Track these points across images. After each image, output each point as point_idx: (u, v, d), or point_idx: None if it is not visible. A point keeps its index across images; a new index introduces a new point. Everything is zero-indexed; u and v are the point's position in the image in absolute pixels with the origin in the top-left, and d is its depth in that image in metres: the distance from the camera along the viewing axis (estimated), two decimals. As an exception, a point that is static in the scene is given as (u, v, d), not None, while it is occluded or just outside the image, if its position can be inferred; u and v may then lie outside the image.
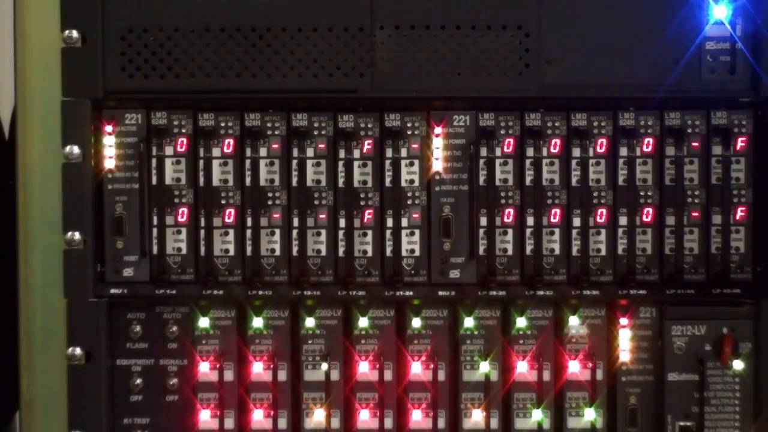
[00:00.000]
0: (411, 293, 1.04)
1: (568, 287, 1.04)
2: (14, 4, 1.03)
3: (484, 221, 1.03)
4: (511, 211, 1.04)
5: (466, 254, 1.04)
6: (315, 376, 1.05)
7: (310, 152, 1.04)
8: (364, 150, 1.04)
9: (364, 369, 1.05)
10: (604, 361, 1.06)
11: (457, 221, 1.04)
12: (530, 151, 1.04)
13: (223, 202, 1.04)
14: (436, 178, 1.04)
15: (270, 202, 1.04)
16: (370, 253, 1.04)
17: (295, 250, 1.03)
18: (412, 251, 1.04)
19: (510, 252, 1.04)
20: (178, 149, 1.04)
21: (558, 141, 1.04)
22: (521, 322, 1.05)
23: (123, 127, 1.04)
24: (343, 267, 1.03)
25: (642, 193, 1.04)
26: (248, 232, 1.03)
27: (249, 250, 1.04)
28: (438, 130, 1.04)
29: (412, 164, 1.04)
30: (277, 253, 1.04)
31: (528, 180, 1.04)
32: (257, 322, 1.05)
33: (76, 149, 1.01)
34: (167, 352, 1.06)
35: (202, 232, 1.03)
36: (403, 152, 1.04)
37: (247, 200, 1.03)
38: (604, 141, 1.04)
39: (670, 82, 1.02)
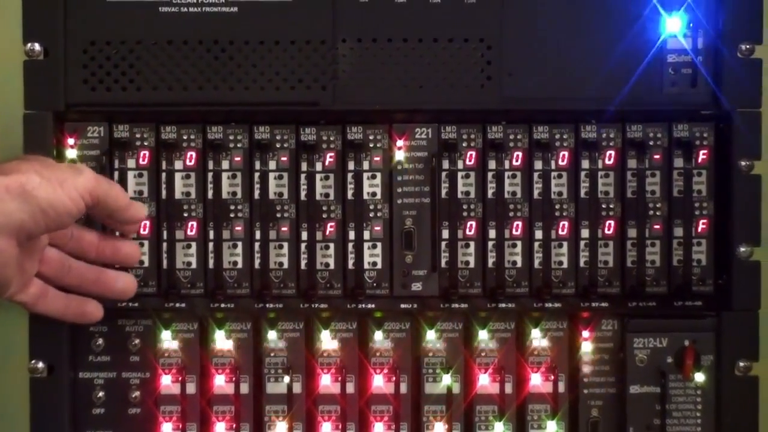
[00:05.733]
0: (373, 306, 1.04)
1: (530, 300, 1.04)
2: (-24, 17, 1.03)
3: (446, 234, 1.04)
4: (473, 223, 1.04)
5: (428, 267, 1.04)
6: (277, 389, 1.05)
7: (272, 165, 1.04)
8: (326, 163, 1.04)
9: (326, 382, 1.05)
10: (566, 373, 1.06)
11: (419, 234, 1.04)
12: (492, 164, 1.04)
13: (186, 215, 1.04)
14: (398, 190, 1.04)
15: (232, 215, 1.04)
16: (332, 266, 1.04)
17: (257, 263, 1.03)
18: (374, 264, 1.04)
19: (472, 264, 1.04)
20: (141, 162, 1.04)
21: (520, 154, 1.04)
22: (483, 334, 1.05)
23: (85, 140, 1.03)
24: (306, 280, 1.03)
25: (604, 206, 1.04)
26: (210, 245, 1.03)
27: (211, 263, 1.04)
28: (400, 142, 1.04)
29: (374, 177, 1.04)
30: (240, 266, 1.04)
31: (490, 193, 1.04)
32: (220, 335, 1.05)
33: (37, 162, 1.01)
34: (129, 365, 1.05)
35: (165, 245, 1.03)
36: (365, 165, 1.04)
37: (210, 213, 1.03)
38: (566, 153, 1.04)
39: (632, 94, 1.02)
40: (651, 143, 1.04)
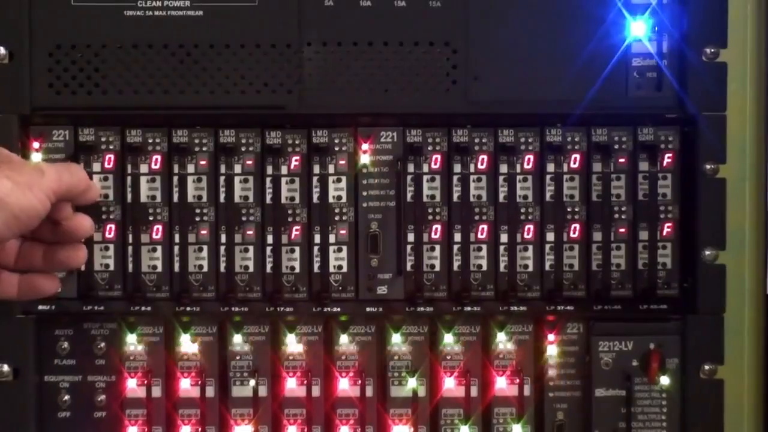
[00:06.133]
0: (339, 309, 1.04)
1: (496, 303, 1.04)
2: (-58, 20, 1.03)
3: (411, 237, 1.04)
4: (439, 227, 1.04)
5: (394, 270, 1.04)
6: (243, 392, 1.05)
7: (237, 168, 1.04)
8: (292, 166, 1.04)
9: (291, 385, 1.05)
10: (531, 376, 1.06)
11: (384, 237, 1.04)
12: (457, 168, 1.04)
13: (151, 218, 1.04)
14: (363, 194, 1.04)
15: (198, 219, 1.04)
16: (297, 270, 1.04)
17: (222, 267, 1.03)
18: (340, 267, 1.04)
19: (437, 268, 1.04)
20: (106, 165, 1.04)
21: (485, 157, 1.04)
22: (449, 338, 1.05)
23: (50, 143, 1.03)
24: (271, 283, 1.04)
25: (569, 209, 1.04)
26: (176, 249, 1.03)
27: (177, 267, 1.03)
28: (365, 146, 1.04)
29: (339, 180, 1.04)
30: (205, 269, 1.04)
31: (455, 196, 1.04)
32: (185, 339, 1.05)
33: (3, 166, 1.01)
34: (95, 369, 1.05)
35: (130, 248, 1.03)
36: (331, 168, 1.04)
37: (175, 216, 1.03)
38: (531, 157, 1.04)
39: (597, 98, 1.02)
40: (616, 147, 1.04)
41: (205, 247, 1.04)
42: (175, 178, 1.03)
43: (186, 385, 1.05)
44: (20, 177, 0.89)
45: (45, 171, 0.92)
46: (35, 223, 0.91)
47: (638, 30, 1.02)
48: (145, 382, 1.05)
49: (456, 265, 1.04)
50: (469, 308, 1.04)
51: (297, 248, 1.04)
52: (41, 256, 0.97)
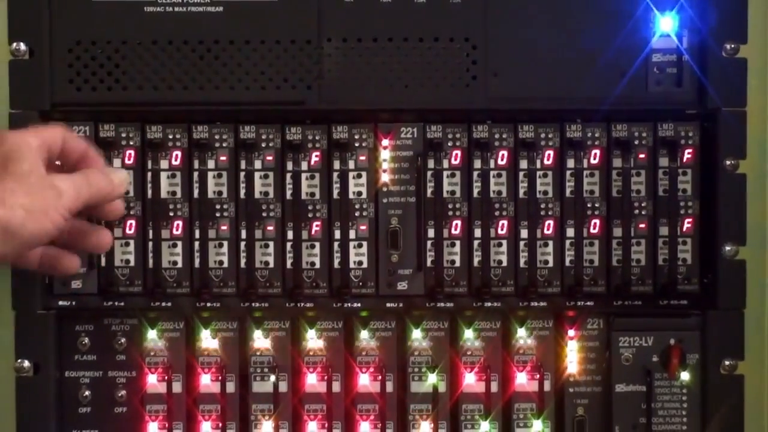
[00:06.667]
0: (359, 305, 1.04)
1: (516, 299, 1.05)
2: (-38, 17, 1.03)
3: (431, 233, 1.04)
4: (459, 222, 1.04)
5: (414, 266, 1.04)
6: (263, 388, 1.05)
7: (257, 164, 1.04)
8: (312, 162, 1.04)
9: (312, 380, 1.05)
10: (551, 372, 1.06)
11: (404, 233, 1.04)
12: (477, 163, 1.04)
13: (171, 214, 1.04)
14: (383, 190, 1.04)
15: (218, 214, 1.04)
16: (318, 265, 1.04)
17: (243, 263, 1.04)
18: (360, 263, 1.04)
19: (458, 264, 1.04)
20: (126, 161, 1.04)
21: (505, 153, 1.04)
22: (469, 333, 1.06)
23: (71, 139, 1.04)
24: (291, 279, 1.04)
25: (589, 205, 1.04)
26: (196, 244, 1.03)
27: (197, 262, 1.04)
28: (385, 142, 1.04)
29: (359, 176, 1.04)
30: (225, 265, 1.04)
31: (475, 192, 1.04)
32: (206, 334, 1.05)
33: (23, 161, 1.01)
34: (115, 364, 1.06)
35: (150, 244, 1.03)
36: (351, 164, 1.04)
37: (195, 212, 1.04)
38: (552, 153, 1.04)
39: (617, 94, 1.02)
40: (636, 142, 1.04)
41: (225, 243, 1.04)
42: (196, 174, 1.03)
43: (206, 381, 1.05)
44: (36, 202, 0.87)
45: (63, 191, 0.90)
46: (46, 241, 0.91)
47: (666, 26, 1.01)
48: (166, 377, 1.05)
49: (476, 260, 1.04)
50: (489, 304, 1.04)
51: (317, 244, 1.04)
52: (68, 232, 0.95)
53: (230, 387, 1.05)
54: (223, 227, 1.04)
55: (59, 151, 0.95)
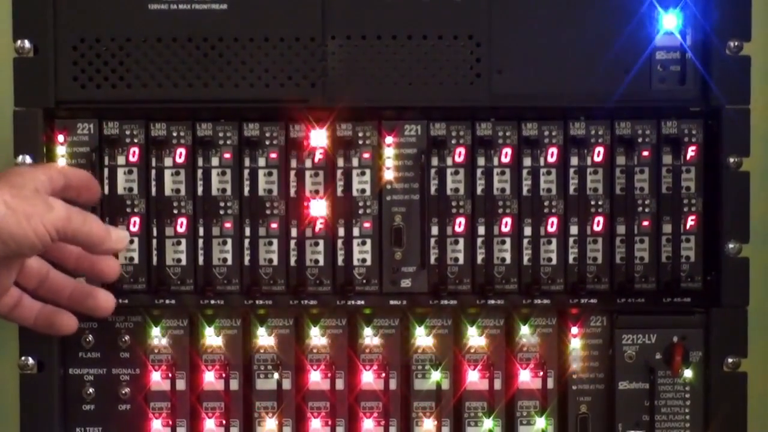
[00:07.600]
0: (362, 302, 1.05)
1: (519, 296, 1.05)
2: (-35, 15, 1.04)
3: (435, 230, 1.04)
4: (462, 220, 1.04)
5: (418, 263, 1.04)
6: (267, 385, 1.06)
7: (261, 162, 1.04)
8: (316, 159, 1.04)
9: (315, 378, 1.05)
10: (555, 369, 1.06)
11: (408, 231, 1.04)
12: (481, 161, 1.04)
13: (175, 211, 1.04)
14: (387, 187, 1.04)
15: (222, 212, 1.04)
16: (321, 263, 1.04)
17: (246, 260, 1.04)
18: (364, 260, 1.04)
19: (461, 261, 1.04)
20: (130, 159, 1.04)
21: (509, 150, 1.04)
22: (472, 331, 1.06)
23: (75, 136, 1.04)
24: (295, 276, 1.04)
25: (593, 203, 1.04)
26: (200, 242, 1.04)
27: (201, 260, 1.04)
28: (389, 139, 1.04)
29: (363, 174, 1.04)
30: (229, 262, 1.04)
31: (479, 189, 1.04)
32: (209, 332, 1.05)
33: (28, 159, 1.01)
34: (119, 362, 1.06)
35: (154, 241, 1.03)
36: (355, 162, 1.04)
37: (199, 210, 1.04)
38: (555, 150, 1.04)
39: (621, 91, 1.02)
40: (640, 140, 1.04)
41: (229, 241, 1.04)
42: (200, 172, 1.03)
43: (210, 378, 1.05)
44: (21, 205, 0.87)
45: (55, 207, 0.89)
46: (28, 254, 0.91)
47: (670, 23, 1.02)
48: (170, 375, 1.05)
49: (480, 258, 1.04)
50: (492, 301, 1.04)
51: (321, 241, 1.04)
52: (68, 294, 0.98)
53: (234, 384, 1.05)
54: (227, 225, 1.04)
55: (62, 185, 0.95)
